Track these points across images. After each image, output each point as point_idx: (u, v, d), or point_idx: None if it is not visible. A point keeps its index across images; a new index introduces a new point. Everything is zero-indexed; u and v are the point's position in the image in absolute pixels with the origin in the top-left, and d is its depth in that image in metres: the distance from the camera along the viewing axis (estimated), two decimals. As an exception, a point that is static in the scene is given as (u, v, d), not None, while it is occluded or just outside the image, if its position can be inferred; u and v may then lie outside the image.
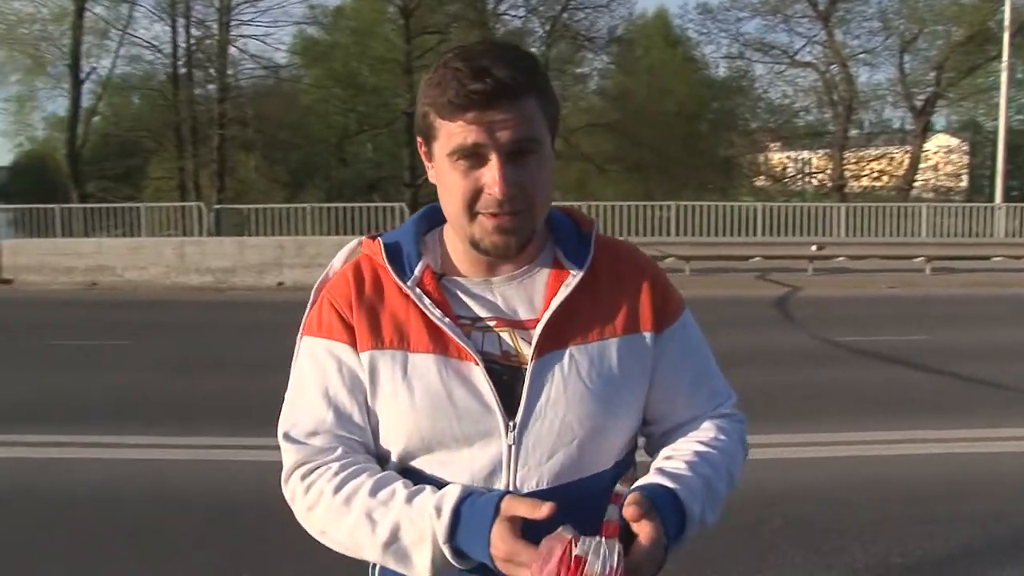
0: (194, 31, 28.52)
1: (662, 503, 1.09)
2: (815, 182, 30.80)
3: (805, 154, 31.92)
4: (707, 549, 3.21)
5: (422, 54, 27.61)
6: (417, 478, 1.16)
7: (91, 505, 4.10)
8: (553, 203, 1.26)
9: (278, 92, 30.66)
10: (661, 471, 1.16)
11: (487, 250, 1.17)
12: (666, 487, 1.12)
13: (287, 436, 1.22)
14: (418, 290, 1.19)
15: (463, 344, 1.15)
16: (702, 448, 1.20)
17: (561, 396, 1.16)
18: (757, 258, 14.84)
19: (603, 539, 1.01)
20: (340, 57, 30.17)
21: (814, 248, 15.30)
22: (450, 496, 1.09)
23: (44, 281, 13.24)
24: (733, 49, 30.33)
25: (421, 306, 1.17)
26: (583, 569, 0.97)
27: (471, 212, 1.14)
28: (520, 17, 30.65)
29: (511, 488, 1.13)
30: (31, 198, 20.69)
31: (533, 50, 29.55)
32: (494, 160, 1.11)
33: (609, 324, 1.20)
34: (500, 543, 1.03)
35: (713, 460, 1.19)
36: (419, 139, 1.17)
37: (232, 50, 28.63)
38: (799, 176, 31.86)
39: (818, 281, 13.62)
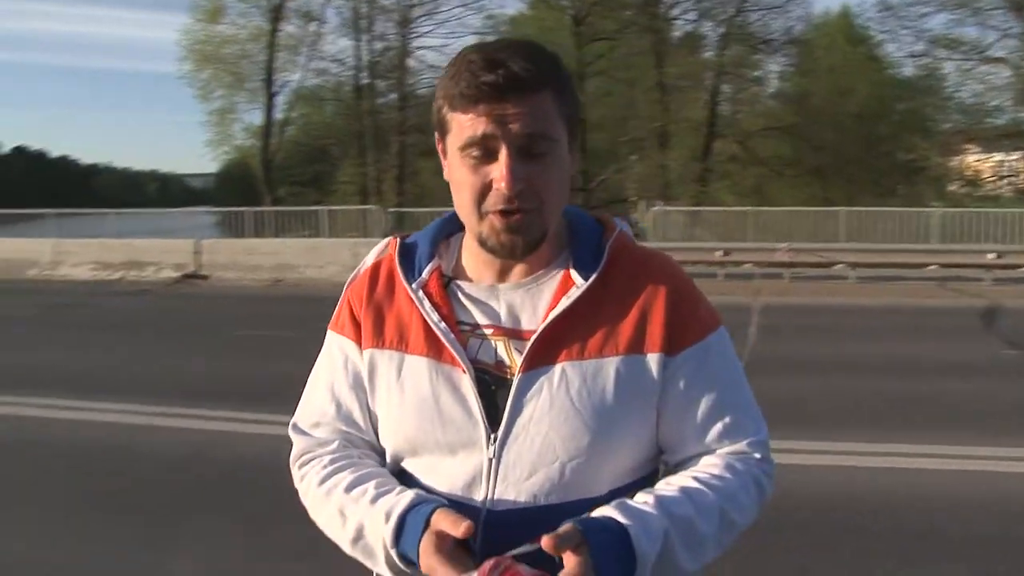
0: (376, 44, 30.29)
1: (600, 538, 1.02)
2: (1012, 185, 28.87)
3: (1000, 156, 29.96)
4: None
5: (593, 61, 27.99)
6: (407, 480, 1.19)
7: (255, 473, 4.52)
8: (602, 211, 1.23)
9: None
10: (623, 504, 1.08)
11: (494, 249, 1.16)
12: (617, 521, 1.05)
13: (294, 426, 1.29)
14: (420, 292, 1.20)
15: (453, 350, 1.15)
16: (693, 485, 1.12)
17: (545, 414, 1.12)
18: (933, 266, 14.17)
19: (519, 567, 0.98)
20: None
21: (991, 256, 14.51)
22: (401, 503, 1.10)
23: (235, 277, 14.58)
24: (918, 47, 28.79)
25: (421, 309, 1.18)
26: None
27: (480, 210, 1.13)
28: (692, 21, 30.42)
29: (488, 503, 1.12)
30: (232, 201, 22.51)
31: (708, 55, 29.44)
32: (504, 154, 1.09)
33: (611, 341, 1.14)
34: (423, 555, 1.04)
35: (701, 500, 1.11)
36: (436, 135, 1.16)
37: (411, 61, 30.01)
38: (995, 179, 29.95)
39: (999, 291, 12.85)
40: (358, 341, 1.23)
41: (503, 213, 1.11)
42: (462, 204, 1.15)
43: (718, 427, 1.17)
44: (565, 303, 1.14)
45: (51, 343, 9.08)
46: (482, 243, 1.15)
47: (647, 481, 1.18)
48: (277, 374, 7.29)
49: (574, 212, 1.25)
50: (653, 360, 1.15)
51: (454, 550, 1.03)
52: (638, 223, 18.43)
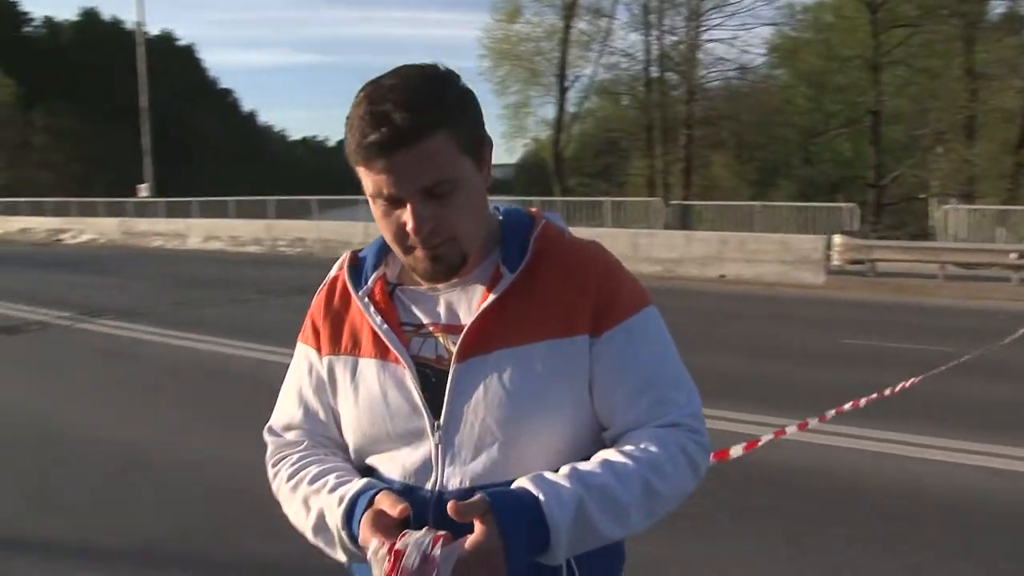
0: (665, 39, 31.12)
1: (508, 507, 1.10)
2: None
3: None
4: None
5: (889, 50, 26.64)
6: (369, 472, 1.31)
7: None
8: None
9: (748, 92, 31.67)
10: (537, 476, 1.15)
11: (421, 275, 1.28)
12: (528, 491, 1.13)
13: (269, 429, 1.42)
14: (366, 299, 1.32)
15: (394, 349, 1.27)
16: (614, 457, 1.19)
17: (481, 400, 1.22)
18: None
19: (428, 535, 1.08)
20: (808, 56, 30.24)
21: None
22: (352, 488, 1.22)
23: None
24: None
25: (366, 314, 1.31)
26: (400, 562, 1.05)
27: (401, 246, 1.23)
28: (1011, 1, 28.07)
29: (438, 486, 1.23)
30: (528, 192, 23.84)
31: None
32: (408, 203, 1.18)
33: (539, 327, 1.23)
34: (362, 529, 1.15)
35: (622, 469, 1.17)
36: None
37: (700, 54, 30.64)
38: None
39: None
40: (319, 349, 1.36)
41: (422, 247, 1.21)
42: (387, 240, 1.25)
43: (644, 401, 1.23)
44: (492, 296, 1.23)
45: (293, 310, 10.50)
46: (412, 269, 1.27)
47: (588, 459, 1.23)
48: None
49: (508, 211, 1.35)
50: (579, 342, 1.23)
51: (391, 527, 1.12)
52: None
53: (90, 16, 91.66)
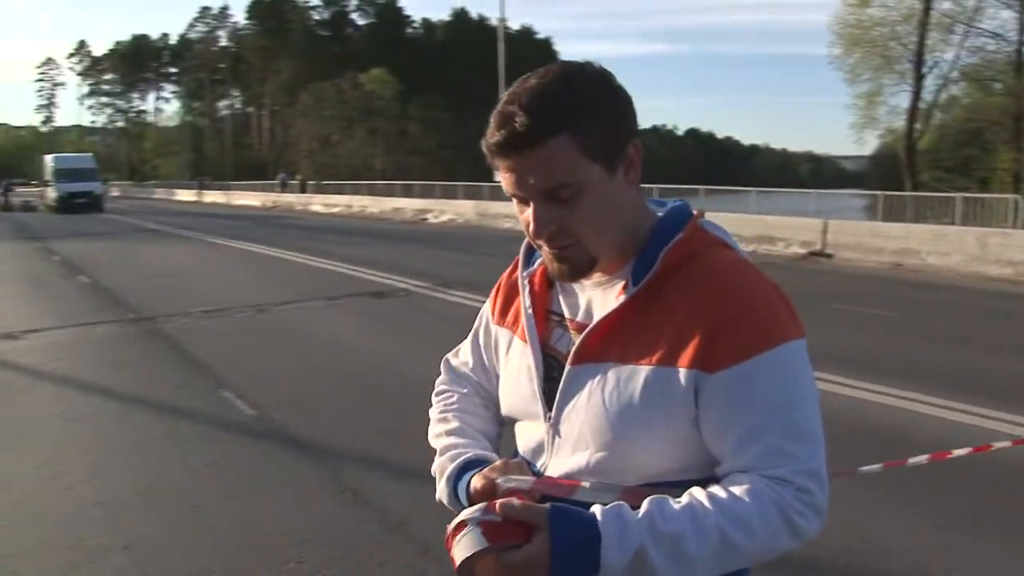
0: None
1: (566, 530, 1.10)
2: None
3: None
4: None
5: None
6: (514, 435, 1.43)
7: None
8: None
9: None
10: (615, 508, 1.13)
11: (551, 274, 1.32)
12: (595, 519, 1.11)
13: (446, 359, 1.59)
14: (525, 283, 1.37)
15: (528, 336, 1.34)
16: (700, 501, 1.14)
17: (583, 406, 1.24)
18: None
19: (476, 512, 1.14)
20: None
21: None
22: (453, 466, 1.37)
23: (857, 258, 15.27)
24: None
25: (520, 296, 1.38)
26: (457, 537, 1.13)
27: (534, 242, 1.28)
28: None
29: (546, 469, 1.30)
30: (881, 185, 22.86)
31: None
32: (532, 203, 1.21)
33: (648, 350, 1.19)
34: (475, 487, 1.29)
35: (703, 518, 1.12)
36: None
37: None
38: None
39: None
40: (493, 314, 1.49)
41: (548, 247, 1.24)
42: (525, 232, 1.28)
43: (756, 450, 1.15)
44: (612, 307, 1.23)
45: None
46: (547, 265, 1.31)
47: (685, 485, 1.19)
48: (851, 344, 7.97)
49: (669, 213, 1.30)
50: (684, 375, 1.17)
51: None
52: None
53: (460, 15, 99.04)
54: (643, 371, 1.19)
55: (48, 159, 45.83)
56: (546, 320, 1.35)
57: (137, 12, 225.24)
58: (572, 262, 1.23)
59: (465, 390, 1.51)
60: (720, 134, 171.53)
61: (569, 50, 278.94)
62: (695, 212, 1.30)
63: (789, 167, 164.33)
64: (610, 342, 1.23)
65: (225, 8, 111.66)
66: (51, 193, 42.74)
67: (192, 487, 4.73)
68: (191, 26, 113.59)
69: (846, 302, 10.68)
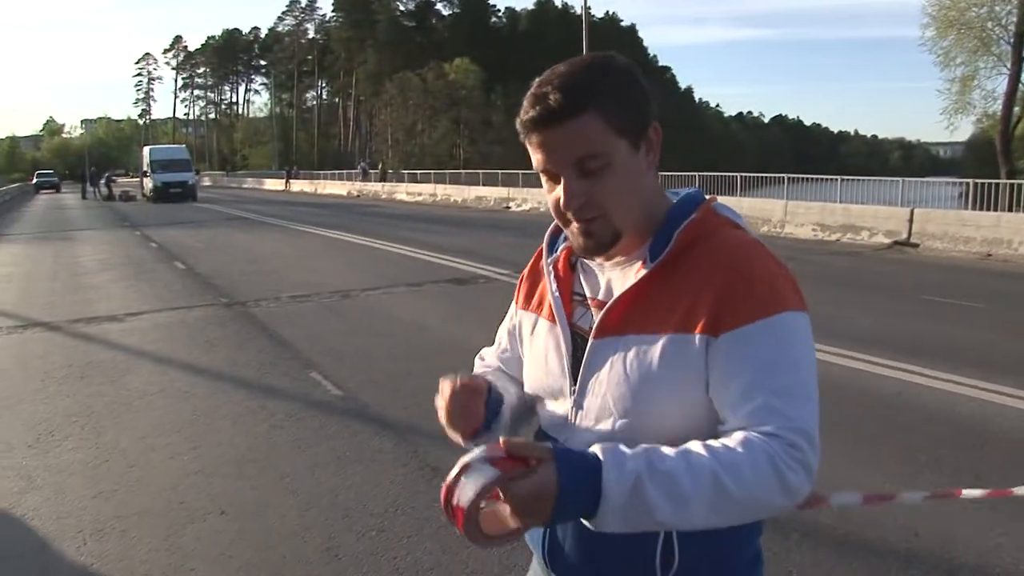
0: None
1: (571, 461, 1.17)
2: None
3: None
4: None
5: None
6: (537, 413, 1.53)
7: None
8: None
9: None
10: (613, 446, 1.21)
11: (576, 250, 1.40)
12: (594, 454, 1.19)
13: (480, 355, 1.72)
14: (550, 267, 1.47)
15: (557, 315, 1.42)
16: (695, 447, 1.21)
17: (606, 377, 1.33)
18: None
19: (480, 450, 1.19)
20: None
21: None
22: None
23: (944, 248, 15.08)
24: None
25: (546, 280, 1.48)
26: (462, 478, 1.18)
27: (562, 219, 1.36)
28: None
29: (568, 442, 1.36)
30: (975, 173, 22.21)
31: None
32: (562, 178, 1.30)
33: (666, 319, 1.28)
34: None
35: (696, 460, 1.18)
36: None
37: None
38: None
39: None
40: (517, 302, 1.59)
41: (576, 220, 1.33)
42: (553, 214, 1.38)
43: (749, 407, 1.23)
44: (630, 282, 1.33)
45: None
46: (572, 243, 1.40)
47: None
48: (938, 335, 7.90)
49: (684, 197, 1.40)
50: (697, 340, 1.26)
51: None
52: None
53: (543, 3, 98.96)
54: (661, 339, 1.28)
55: (145, 151, 47.61)
56: (571, 300, 1.44)
57: (230, 7, 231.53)
58: (597, 236, 1.32)
59: (491, 367, 1.65)
60: (808, 121, 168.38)
61: (654, 37, 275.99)
62: (708, 197, 1.41)
63: (879, 154, 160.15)
64: (630, 316, 1.32)
65: (313, 1, 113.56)
66: (148, 183, 44.47)
67: (281, 459, 5.04)
68: (280, 19, 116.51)
69: (933, 293, 10.58)
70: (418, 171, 45.36)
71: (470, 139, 73.27)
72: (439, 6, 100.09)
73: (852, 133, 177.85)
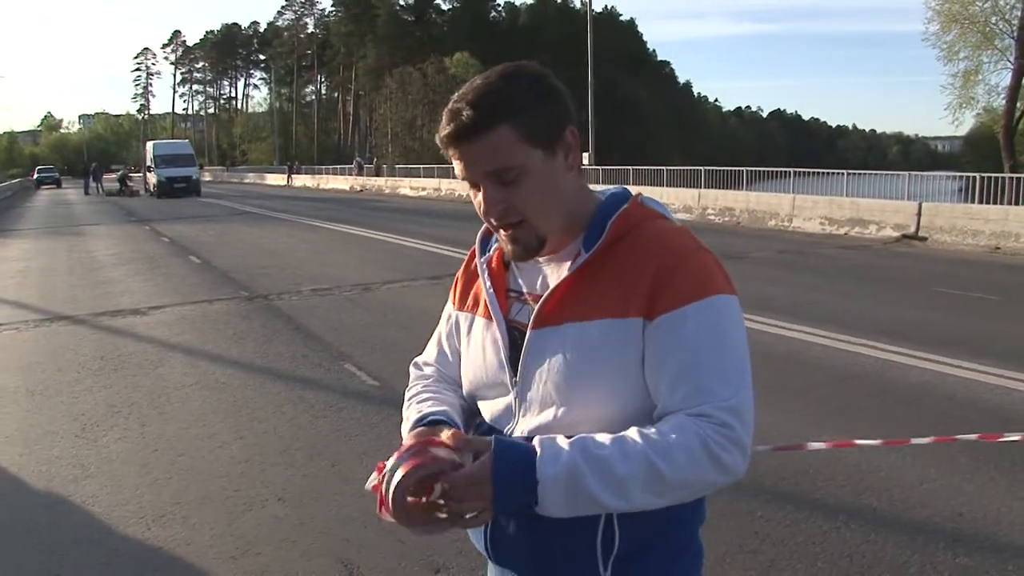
0: None
1: (506, 451, 1.24)
2: None
3: None
4: None
5: None
6: (476, 411, 1.54)
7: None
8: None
9: None
10: (550, 437, 1.27)
11: (506, 256, 1.45)
12: (530, 445, 1.25)
13: (414, 363, 1.69)
14: (483, 266, 1.50)
15: (492, 312, 1.45)
16: (627, 434, 1.26)
17: (546, 365, 1.36)
18: None
19: (403, 457, 1.26)
20: None
21: None
22: (421, 413, 1.48)
23: (952, 241, 15.22)
24: None
25: (481, 279, 1.50)
26: (384, 475, 1.27)
27: (490, 226, 1.41)
28: None
29: (514, 433, 1.40)
30: (975, 167, 22.19)
31: None
32: (482, 186, 1.35)
33: (601, 306, 1.32)
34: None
35: (630, 447, 1.23)
36: None
37: None
38: None
39: None
40: (454, 303, 1.61)
41: (501, 227, 1.38)
42: (481, 217, 1.41)
43: (682, 389, 1.27)
44: (565, 273, 1.37)
45: (781, 281, 11.62)
46: (503, 247, 1.44)
47: None
48: (954, 326, 8.06)
49: (611, 195, 1.45)
50: (633, 324, 1.30)
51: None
52: None
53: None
54: (597, 325, 1.33)
55: (149, 146, 47.62)
56: (506, 297, 1.48)
57: (229, 1, 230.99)
58: (523, 242, 1.38)
59: (429, 378, 1.62)
60: (806, 115, 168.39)
61: (653, 31, 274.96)
62: (635, 193, 1.46)
63: (877, 149, 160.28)
64: (566, 305, 1.36)
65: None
66: (151, 178, 44.47)
67: (328, 448, 5.15)
68: (279, 13, 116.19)
69: (946, 285, 10.70)
70: (420, 166, 45.40)
71: (470, 134, 72.98)
72: (438, 1, 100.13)
73: (850, 127, 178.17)
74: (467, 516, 1.25)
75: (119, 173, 50.65)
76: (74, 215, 32.41)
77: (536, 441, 1.26)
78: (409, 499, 1.25)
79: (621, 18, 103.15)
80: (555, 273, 1.41)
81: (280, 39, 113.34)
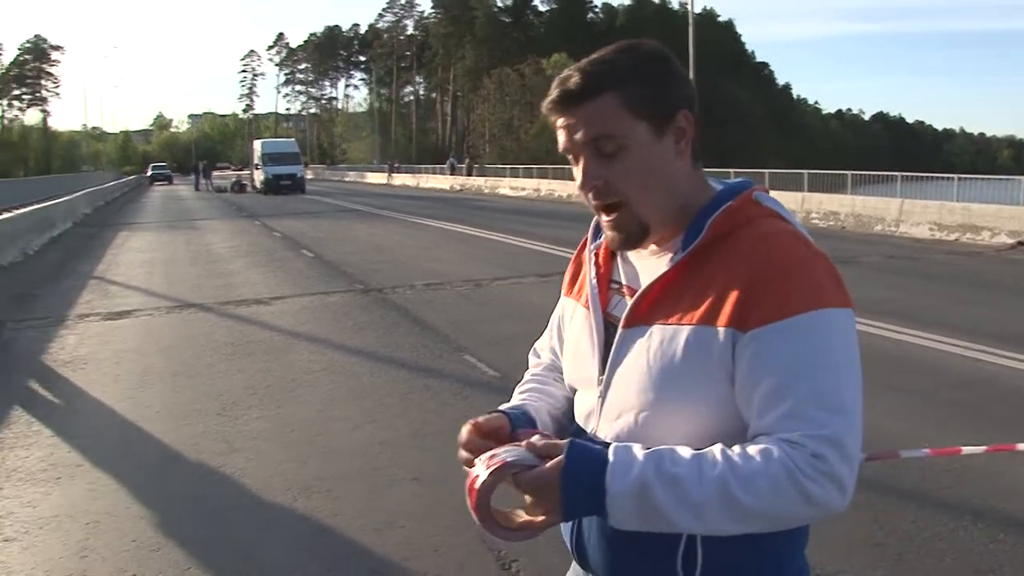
0: None
1: (579, 457, 1.18)
2: None
3: None
4: None
5: None
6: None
7: None
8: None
9: None
10: (628, 446, 1.20)
11: (608, 243, 1.38)
12: (605, 453, 1.18)
13: (533, 349, 1.67)
14: (592, 255, 1.44)
15: (591, 303, 1.39)
16: (709, 454, 1.17)
17: (631, 367, 1.28)
18: None
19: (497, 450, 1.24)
20: None
21: None
22: (508, 405, 1.48)
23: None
24: None
25: (587, 267, 1.45)
26: (473, 475, 1.24)
27: (592, 209, 1.34)
28: None
29: (595, 432, 1.34)
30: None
31: None
32: (581, 157, 1.29)
33: (692, 310, 1.22)
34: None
35: (708, 468, 1.14)
36: None
37: None
38: None
39: None
40: (564, 289, 1.55)
41: (600, 209, 1.32)
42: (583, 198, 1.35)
43: (775, 412, 1.16)
44: (660, 271, 1.28)
45: (893, 286, 11.40)
46: (605, 235, 1.38)
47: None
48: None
49: (726, 188, 1.34)
50: (722, 333, 1.19)
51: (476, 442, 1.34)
52: None
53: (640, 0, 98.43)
54: (685, 330, 1.23)
55: (256, 144, 49.12)
56: (607, 288, 1.40)
57: (331, 4, 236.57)
58: (624, 229, 1.30)
59: (540, 367, 1.61)
60: (910, 118, 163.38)
61: (752, 32, 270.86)
62: (754, 187, 1.34)
63: (987, 152, 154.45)
64: (658, 305, 1.27)
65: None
66: (259, 175, 45.96)
67: (455, 433, 5.26)
68: (380, 16, 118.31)
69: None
70: (519, 166, 45.75)
71: (569, 137, 73.01)
72: (536, 2, 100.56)
73: (957, 131, 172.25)
74: (537, 519, 1.21)
75: (233, 180, 52.46)
76: (188, 210, 33.64)
77: (611, 449, 1.18)
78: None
79: (719, 19, 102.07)
80: (657, 268, 1.31)
81: (380, 41, 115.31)
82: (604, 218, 1.32)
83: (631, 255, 1.38)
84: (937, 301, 9.90)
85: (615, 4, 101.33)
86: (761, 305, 1.18)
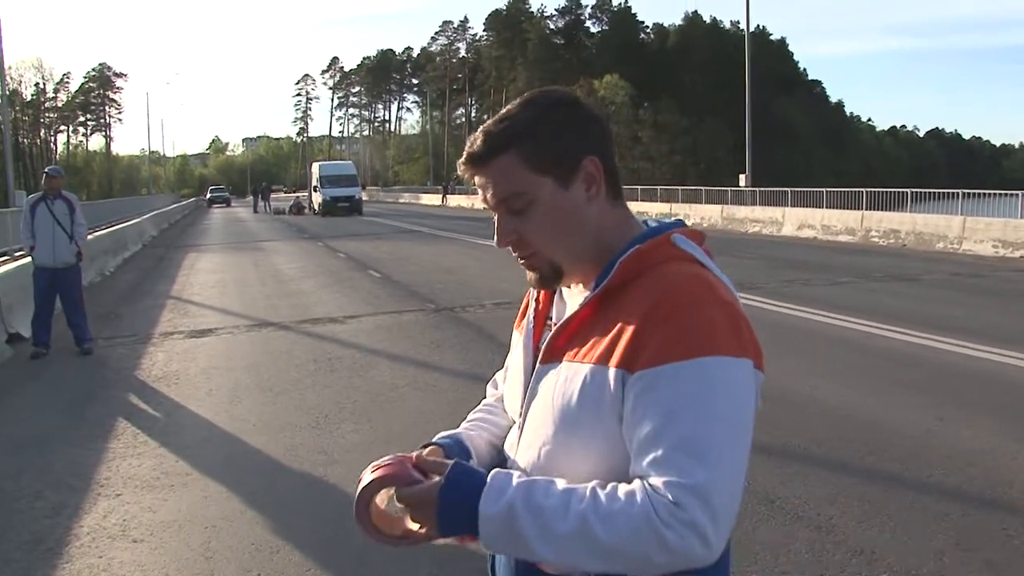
0: None
1: (458, 478, 1.21)
2: None
3: None
4: None
5: None
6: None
7: None
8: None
9: None
10: (508, 473, 1.22)
11: (528, 283, 1.42)
12: (484, 477, 1.21)
13: (492, 379, 1.69)
14: (533, 292, 1.47)
15: (523, 338, 1.44)
16: (579, 488, 1.17)
17: (541, 402, 1.31)
18: None
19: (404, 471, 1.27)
20: None
21: None
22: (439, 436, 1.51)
23: None
24: None
25: (529, 304, 1.49)
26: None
27: (501, 248, 1.38)
28: None
29: (514, 463, 1.36)
30: None
31: None
32: (495, 215, 1.33)
33: (592, 350, 1.25)
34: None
35: (573, 503, 1.15)
36: None
37: None
38: None
39: None
40: (516, 323, 1.55)
41: (518, 256, 1.36)
42: None
43: (648, 456, 1.15)
44: (571, 310, 1.33)
45: (958, 303, 11.38)
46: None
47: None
48: None
49: (648, 229, 1.35)
50: (613, 374, 1.21)
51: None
52: None
53: (692, 19, 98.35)
54: (584, 369, 1.25)
55: (315, 167, 50.12)
56: (543, 324, 1.44)
57: (384, 28, 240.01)
58: (540, 271, 1.35)
59: (492, 398, 1.64)
60: (966, 134, 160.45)
61: (803, 50, 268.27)
62: (676, 229, 1.34)
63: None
64: (571, 342, 1.29)
65: (465, 21, 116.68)
66: (317, 197, 46.81)
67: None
68: (433, 39, 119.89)
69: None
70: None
71: (619, 155, 72.90)
72: (588, 24, 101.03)
73: (1016, 146, 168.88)
74: (418, 532, 1.26)
75: (292, 202, 53.59)
76: (249, 231, 34.37)
77: (491, 474, 1.21)
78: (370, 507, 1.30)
79: (772, 37, 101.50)
80: (574, 306, 1.33)
81: (433, 64, 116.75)
82: (520, 260, 1.36)
83: (565, 293, 1.41)
84: (1007, 319, 9.85)
85: (666, 24, 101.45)
86: (648, 347, 1.18)
